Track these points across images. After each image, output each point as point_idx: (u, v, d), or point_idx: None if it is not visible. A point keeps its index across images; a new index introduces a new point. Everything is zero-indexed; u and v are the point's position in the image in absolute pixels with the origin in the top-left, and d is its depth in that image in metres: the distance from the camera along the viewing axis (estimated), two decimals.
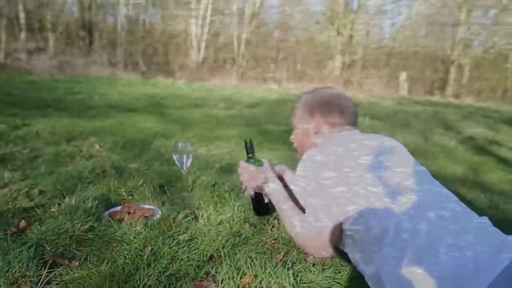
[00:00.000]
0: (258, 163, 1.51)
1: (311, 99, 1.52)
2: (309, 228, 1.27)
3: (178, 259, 1.36)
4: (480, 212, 2.23)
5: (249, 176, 1.50)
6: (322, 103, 1.49)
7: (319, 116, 1.48)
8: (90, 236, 1.51)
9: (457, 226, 1.10)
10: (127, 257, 1.35)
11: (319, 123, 1.48)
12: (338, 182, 1.24)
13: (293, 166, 1.54)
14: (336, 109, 1.47)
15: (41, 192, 2.00)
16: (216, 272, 1.28)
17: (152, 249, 1.41)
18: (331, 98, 1.50)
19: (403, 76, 18.99)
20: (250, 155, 1.54)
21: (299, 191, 1.43)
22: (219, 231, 1.58)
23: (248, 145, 1.54)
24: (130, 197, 2.04)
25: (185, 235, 1.56)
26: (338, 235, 1.25)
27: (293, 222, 1.34)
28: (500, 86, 18.44)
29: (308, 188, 1.32)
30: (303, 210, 1.35)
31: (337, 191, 1.23)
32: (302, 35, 20.90)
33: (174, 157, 1.91)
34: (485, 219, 1.18)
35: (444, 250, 1.03)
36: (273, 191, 1.44)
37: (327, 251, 1.28)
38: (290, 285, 1.21)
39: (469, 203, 2.40)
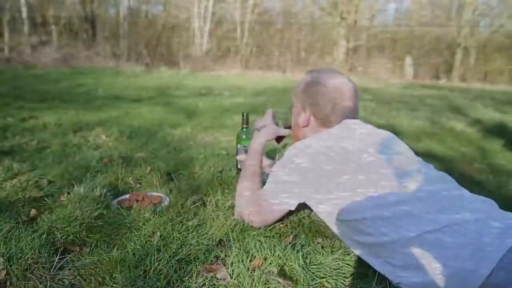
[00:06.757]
0: (249, 134, 1.73)
1: (306, 88, 1.46)
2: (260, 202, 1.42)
3: (187, 244, 1.37)
4: (489, 193, 2.21)
5: (266, 130, 1.59)
6: (315, 97, 1.43)
7: (309, 111, 1.46)
8: (100, 223, 1.52)
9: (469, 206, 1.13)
10: (137, 243, 1.36)
11: (308, 118, 1.47)
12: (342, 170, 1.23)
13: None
14: (329, 105, 1.41)
15: (50, 182, 2.01)
16: (225, 256, 1.29)
17: (161, 235, 1.42)
18: (327, 91, 1.41)
19: (408, 60, 18.80)
20: (244, 126, 1.80)
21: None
22: (227, 216, 1.58)
23: (245, 117, 1.80)
24: (138, 185, 2.05)
25: (193, 220, 1.57)
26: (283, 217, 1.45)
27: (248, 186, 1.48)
28: (507, 68, 18.20)
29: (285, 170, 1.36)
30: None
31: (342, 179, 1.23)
32: (305, 22, 20.71)
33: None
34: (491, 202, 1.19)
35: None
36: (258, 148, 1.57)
37: (265, 225, 1.47)
38: (300, 266, 1.21)
39: (478, 184, 2.39)
